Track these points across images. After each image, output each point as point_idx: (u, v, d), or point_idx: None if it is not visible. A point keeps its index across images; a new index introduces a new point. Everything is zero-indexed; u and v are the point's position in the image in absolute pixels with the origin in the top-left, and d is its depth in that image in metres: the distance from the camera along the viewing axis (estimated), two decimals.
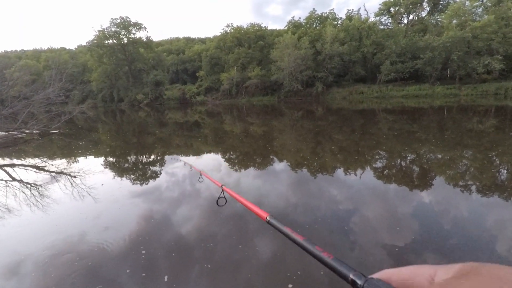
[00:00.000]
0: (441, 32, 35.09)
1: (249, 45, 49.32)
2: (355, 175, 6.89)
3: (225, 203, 1.20)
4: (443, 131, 11.97)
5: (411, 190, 5.70)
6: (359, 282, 0.40)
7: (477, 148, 8.77)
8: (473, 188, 5.64)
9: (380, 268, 0.44)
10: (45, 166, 9.49)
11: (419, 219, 4.47)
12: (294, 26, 49.36)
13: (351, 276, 0.42)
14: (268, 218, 0.65)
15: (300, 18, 51.10)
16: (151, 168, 8.78)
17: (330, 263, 0.46)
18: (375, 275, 0.42)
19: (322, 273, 3.19)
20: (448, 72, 36.91)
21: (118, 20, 52.04)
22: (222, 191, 1.18)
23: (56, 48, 78.88)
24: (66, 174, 8.20)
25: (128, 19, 52.53)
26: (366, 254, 3.59)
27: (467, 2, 34.19)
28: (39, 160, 10.49)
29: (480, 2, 35.26)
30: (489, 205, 4.88)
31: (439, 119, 15.82)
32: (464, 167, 7.15)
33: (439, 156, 8.27)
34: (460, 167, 7.18)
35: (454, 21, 34.07)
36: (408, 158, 8.37)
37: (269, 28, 56.04)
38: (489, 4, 34.37)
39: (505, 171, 6.71)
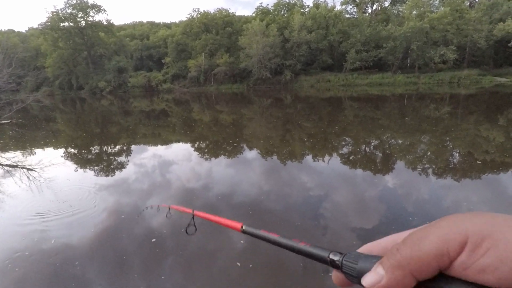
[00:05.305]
0: (402, 22, 36.56)
1: (216, 31, 48.05)
2: (324, 161, 7.11)
3: (195, 230, 1.02)
4: (403, 118, 12.65)
5: (375, 174, 6.00)
6: (336, 259, 0.40)
7: (433, 133, 9.40)
8: (430, 171, 6.06)
9: (350, 249, 0.43)
10: None
11: (383, 201, 4.74)
12: (262, 13, 48.89)
13: (330, 256, 0.41)
14: (243, 228, 0.64)
15: (268, 4, 50.66)
16: (117, 158, 8.42)
17: (308, 250, 0.45)
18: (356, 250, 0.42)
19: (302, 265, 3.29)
20: (408, 61, 38.84)
21: (74, 1, 48.09)
22: (193, 217, 1.02)
23: (3, 30, 71.34)
24: (21, 167, 7.63)
25: (85, 0, 48.80)
26: (337, 237, 3.75)
27: None
28: None
29: None
30: (444, 186, 5.28)
31: (400, 106, 16.68)
32: (422, 151, 7.65)
33: (400, 141, 8.76)
34: (419, 151, 7.66)
35: (414, 12, 35.67)
36: (372, 144, 8.78)
37: (239, 14, 55.00)
38: None
39: (457, 155, 7.28)
